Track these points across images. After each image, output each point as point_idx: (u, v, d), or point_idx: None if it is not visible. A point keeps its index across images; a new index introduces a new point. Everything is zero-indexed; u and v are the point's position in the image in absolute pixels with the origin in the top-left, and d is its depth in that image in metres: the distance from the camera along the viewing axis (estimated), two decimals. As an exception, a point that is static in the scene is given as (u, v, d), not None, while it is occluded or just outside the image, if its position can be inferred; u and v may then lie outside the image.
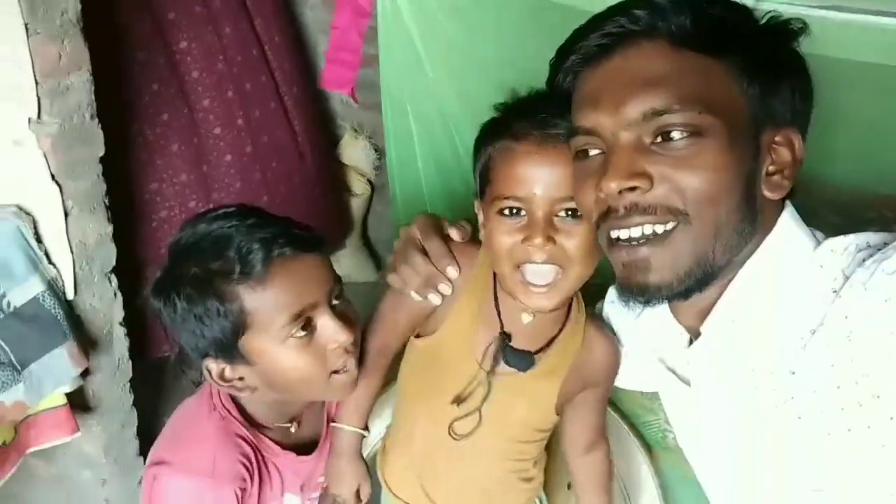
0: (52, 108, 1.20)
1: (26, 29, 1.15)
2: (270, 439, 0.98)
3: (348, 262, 2.35)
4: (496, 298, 0.98)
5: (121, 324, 1.46)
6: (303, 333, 0.84)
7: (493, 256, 0.92)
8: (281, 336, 0.83)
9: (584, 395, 1.06)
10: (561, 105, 0.84)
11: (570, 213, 0.86)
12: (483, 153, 0.92)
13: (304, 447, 1.03)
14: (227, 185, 1.88)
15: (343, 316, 0.88)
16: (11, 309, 1.20)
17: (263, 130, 1.89)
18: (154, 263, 1.67)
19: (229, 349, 0.84)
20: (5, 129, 1.20)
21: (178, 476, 0.90)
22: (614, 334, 1.06)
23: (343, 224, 2.35)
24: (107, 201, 1.34)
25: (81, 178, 1.27)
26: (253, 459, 0.95)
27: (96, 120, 1.27)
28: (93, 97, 1.25)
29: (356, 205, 2.38)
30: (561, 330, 1.00)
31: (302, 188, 2.05)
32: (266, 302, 0.82)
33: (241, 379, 0.88)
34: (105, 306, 1.40)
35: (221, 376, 0.87)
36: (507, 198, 0.87)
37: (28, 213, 1.25)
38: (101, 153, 1.29)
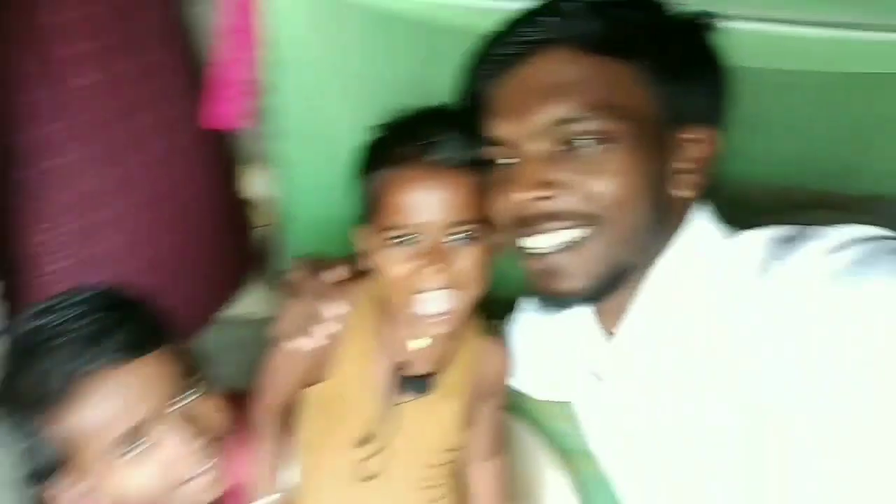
0: None
1: None
2: None
3: (257, 297, 2.26)
4: (385, 327, 0.96)
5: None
6: (137, 451, 0.76)
7: (386, 286, 0.91)
8: (113, 455, 0.76)
9: (481, 406, 1.06)
10: (444, 121, 0.84)
11: (460, 235, 0.86)
12: (367, 180, 0.89)
13: None
14: (110, 236, 1.75)
15: (191, 417, 0.79)
16: None
17: (150, 176, 1.78)
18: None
19: (62, 473, 0.77)
20: None
21: None
22: (505, 344, 1.07)
23: (248, 260, 2.26)
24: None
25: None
26: None
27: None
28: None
29: (262, 237, 2.30)
30: (454, 350, 0.99)
31: (199, 231, 1.93)
32: (85, 424, 0.74)
33: (92, 498, 0.81)
34: None
35: (72, 498, 0.80)
36: (397, 227, 0.86)
37: None
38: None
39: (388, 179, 0.86)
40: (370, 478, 0.99)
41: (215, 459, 0.83)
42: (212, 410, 0.84)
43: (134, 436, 0.75)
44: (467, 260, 0.87)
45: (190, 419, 0.79)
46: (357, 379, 0.98)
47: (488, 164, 0.83)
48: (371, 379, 0.97)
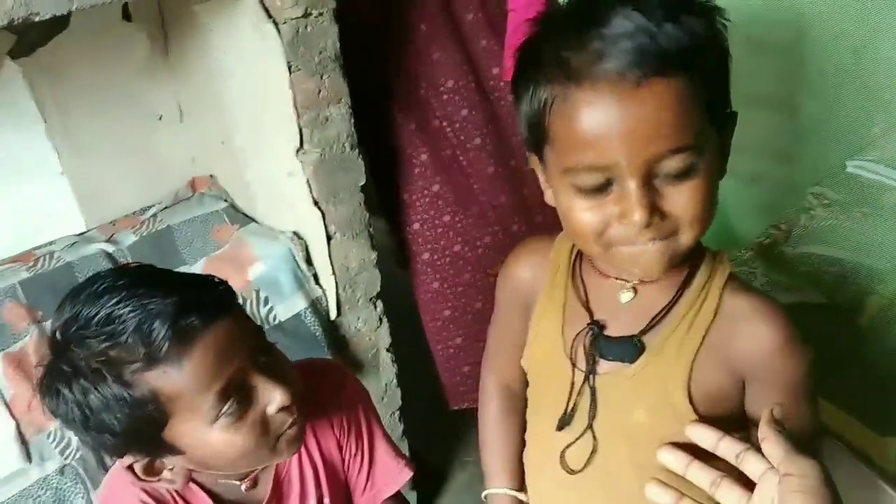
0: (313, 139, 1.38)
1: (288, 67, 1.31)
2: (210, 493, 0.87)
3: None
4: (582, 282, 0.80)
5: (388, 350, 1.61)
6: (235, 408, 0.74)
7: (574, 238, 0.74)
8: (210, 417, 0.73)
9: (752, 392, 0.77)
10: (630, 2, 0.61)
11: (673, 169, 0.63)
12: (530, 94, 0.67)
13: None
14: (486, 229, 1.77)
15: (274, 372, 0.78)
16: (276, 322, 1.43)
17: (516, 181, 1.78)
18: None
19: (150, 442, 0.75)
20: (281, 161, 1.42)
21: None
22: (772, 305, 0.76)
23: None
24: (370, 229, 1.52)
25: (342, 204, 1.46)
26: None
27: (357, 150, 1.44)
28: (352, 128, 1.42)
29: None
30: (678, 298, 0.76)
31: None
32: (186, 384, 0.71)
33: (171, 468, 0.79)
34: (370, 330, 1.59)
35: (149, 471, 0.78)
36: (582, 169, 0.65)
37: (301, 238, 1.49)
38: (362, 182, 1.47)
39: (562, 101, 0.64)
40: (576, 471, 0.79)
41: (299, 413, 0.81)
42: (288, 368, 0.82)
43: (229, 392, 0.73)
44: (685, 198, 0.65)
45: (273, 374, 0.78)
46: (550, 345, 0.81)
47: (697, 55, 0.62)
48: (565, 344, 0.80)
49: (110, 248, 1.50)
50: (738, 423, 0.77)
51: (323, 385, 0.95)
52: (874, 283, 1.26)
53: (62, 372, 0.73)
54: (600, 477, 0.81)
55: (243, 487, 0.89)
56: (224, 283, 0.80)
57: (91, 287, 0.73)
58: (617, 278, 0.79)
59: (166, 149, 1.67)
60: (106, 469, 0.89)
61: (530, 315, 0.87)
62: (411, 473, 1.02)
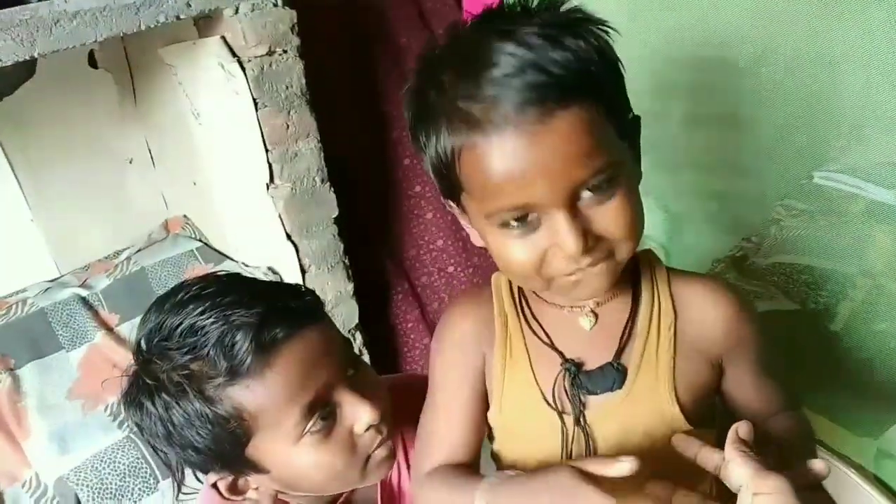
0: (283, 174, 1.39)
1: (255, 104, 1.32)
2: None
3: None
4: (536, 320, 0.75)
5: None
6: (322, 424, 0.69)
7: (513, 276, 0.72)
8: (295, 434, 0.68)
9: (732, 371, 0.78)
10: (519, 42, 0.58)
11: (595, 189, 0.62)
12: (433, 144, 0.64)
13: None
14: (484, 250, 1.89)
15: (364, 388, 0.73)
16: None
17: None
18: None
19: (233, 460, 0.70)
20: (252, 197, 1.43)
21: None
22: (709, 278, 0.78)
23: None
24: (346, 261, 1.53)
25: (315, 237, 1.47)
26: None
27: (327, 184, 1.45)
28: (322, 162, 1.43)
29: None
30: (637, 309, 0.75)
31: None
32: (270, 399, 0.67)
33: (256, 488, 0.75)
34: None
35: (232, 490, 0.74)
36: (505, 211, 0.62)
37: (275, 273, 1.49)
38: (335, 214, 1.48)
39: (465, 151, 0.61)
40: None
41: (388, 430, 0.75)
42: (375, 382, 0.77)
43: (316, 406, 0.69)
44: (615, 219, 0.63)
45: (362, 390, 0.72)
46: (524, 397, 0.75)
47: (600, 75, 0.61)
48: (542, 392, 0.74)
49: (84, 293, 1.50)
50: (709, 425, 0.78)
51: (417, 400, 0.85)
52: (846, 289, 1.28)
53: (145, 385, 0.69)
54: None
55: None
56: (311, 292, 0.75)
57: (176, 296, 0.70)
58: (571, 307, 0.76)
59: (138, 192, 1.68)
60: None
61: (481, 376, 0.79)
62: None
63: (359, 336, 1.59)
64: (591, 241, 0.63)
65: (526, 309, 0.78)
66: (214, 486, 0.74)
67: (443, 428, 0.80)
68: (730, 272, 1.49)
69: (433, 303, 1.82)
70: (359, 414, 0.71)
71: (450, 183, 0.67)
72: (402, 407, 0.83)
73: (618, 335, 0.75)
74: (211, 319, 0.67)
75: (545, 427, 0.75)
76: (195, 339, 0.66)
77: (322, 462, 0.70)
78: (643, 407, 0.74)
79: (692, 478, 0.75)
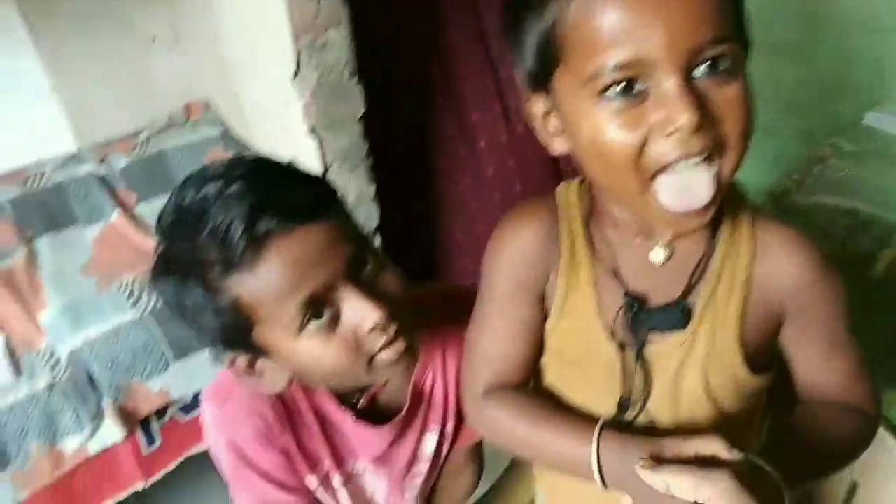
0: (311, 63, 1.32)
1: None
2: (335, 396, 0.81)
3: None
4: (605, 245, 0.70)
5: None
6: (321, 321, 0.68)
7: (605, 172, 0.61)
8: (294, 328, 0.68)
9: (792, 329, 0.71)
10: None
11: (713, 65, 0.55)
12: (537, 10, 0.59)
13: (387, 416, 0.85)
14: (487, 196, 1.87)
15: (373, 287, 0.71)
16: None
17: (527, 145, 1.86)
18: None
19: (242, 344, 0.71)
20: (278, 87, 1.37)
21: (209, 404, 0.81)
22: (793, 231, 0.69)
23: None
24: (369, 161, 1.47)
25: (341, 133, 1.41)
26: (287, 410, 0.80)
27: (355, 78, 1.38)
28: (352, 54, 1.36)
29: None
30: (712, 246, 0.69)
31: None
32: (262, 293, 0.66)
33: (272, 369, 0.75)
34: None
35: (251, 368, 0.74)
36: (610, 71, 0.55)
37: None
38: (361, 112, 1.42)
39: None
40: None
41: (402, 331, 0.73)
42: (394, 283, 0.74)
43: (314, 304, 0.68)
44: (734, 104, 0.56)
45: (370, 289, 0.70)
46: (585, 325, 0.72)
47: None
48: (603, 322, 0.70)
49: (102, 170, 1.48)
50: (769, 369, 0.72)
51: (461, 309, 0.83)
52: (888, 235, 1.22)
53: (160, 264, 0.70)
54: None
55: (359, 405, 0.82)
56: (324, 182, 0.73)
57: (195, 176, 0.68)
58: (645, 237, 0.68)
59: (160, 72, 1.63)
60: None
61: (542, 294, 0.74)
62: None
63: (377, 238, 1.57)
64: (705, 121, 0.55)
65: (596, 233, 0.72)
66: (232, 362, 0.74)
67: (499, 345, 0.76)
68: (769, 208, 1.44)
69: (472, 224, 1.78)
70: (363, 314, 0.69)
71: (548, 52, 0.59)
72: (446, 317, 0.81)
73: (688, 272, 0.68)
74: (215, 204, 0.65)
75: (601, 358, 0.71)
76: (199, 223, 0.65)
77: (324, 357, 0.70)
78: (704, 350, 0.69)
79: (743, 424, 0.74)
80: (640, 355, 0.70)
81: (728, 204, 0.68)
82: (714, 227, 0.68)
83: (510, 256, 0.75)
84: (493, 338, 0.77)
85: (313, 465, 0.83)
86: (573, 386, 0.76)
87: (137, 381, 1.30)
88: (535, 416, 0.74)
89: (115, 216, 1.43)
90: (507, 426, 0.75)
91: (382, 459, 0.86)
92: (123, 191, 1.48)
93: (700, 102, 0.55)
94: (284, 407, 0.80)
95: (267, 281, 0.65)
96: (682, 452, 0.63)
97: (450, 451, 0.93)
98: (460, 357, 0.82)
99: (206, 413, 0.82)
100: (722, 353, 0.69)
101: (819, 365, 0.73)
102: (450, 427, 0.90)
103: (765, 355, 0.72)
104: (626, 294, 0.69)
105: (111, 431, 1.28)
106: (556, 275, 0.72)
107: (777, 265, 0.69)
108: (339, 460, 0.84)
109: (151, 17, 1.58)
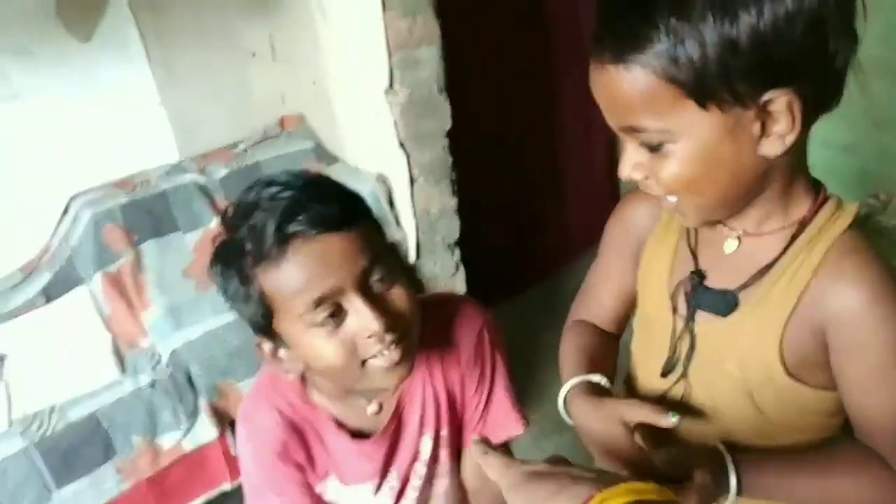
0: (403, 79, 1.37)
1: (383, 5, 1.29)
2: (334, 419, 0.91)
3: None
4: (693, 229, 0.80)
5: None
6: (326, 321, 0.76)
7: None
8: (304, 322, 0.76)
9: (834, 359, 0.72)
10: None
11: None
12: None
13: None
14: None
15: (380, 300, 0.79)
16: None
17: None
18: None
19: (266, 331, 0.80)
20: (370, 101, 1.43)
21: (238, 422, 0.93)
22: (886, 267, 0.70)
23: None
24: (453, 175, 1.53)
25: (427, 148, 1.46)
26: (296, 429, 0.91)
27: (444, 94, 1.43)
28: (441, 71, 1.40)
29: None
30: (782, 255, 0.73)
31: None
32: (282, 285, 0.75)
33: (287, 360, 0.83)
34: (446, 276, 1.60)
35: (274, 355, 0.84)
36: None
37: (385, 180, 1.50)
38: (447, 127, 1.47)
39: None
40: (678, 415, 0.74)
41: (399, 343, 0.80)
42: (401, 298, 0.81)
43: (323, 303, 0.75)
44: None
45: (376, 301, 0.78)
46: (656, 286, 0.83)
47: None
48: (670, 287, 0.80)
49: (202, 180, 1.56)
50: (830, 389, 0.73)
51: (457, 320, 0.95)
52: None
53: (215, 253, 0.78)
54: (689, 422, 0.80)
55: (370, 410, 0.91)
56: (357, 200, 0.81)
57: (270, 178, 0.78)
58: (730, 227, 0.76)
59: (258, 86, 1.70)
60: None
61: (638, 260, 0.86)
62: (522, 430, 1.00)
63: (456, 252, 1.60)
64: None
65: None
66: (259, 345, 0.84)
67: (598, 284, 0.94)
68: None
69: None
70: (364, 322, 0.77)
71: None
72: (437, 323, 0.89)
73: (753, 267, 0.74)
74: (262, 207, 0.75)
75: (661, 320, 0.83)
76: (243, 220, 0.75)
77: (324, 353, 0.78)
78: (744, 343, 0.75)
79: (795, 440, 0.77)
80: (689, 325, 0.79)
81: (820, 218, 0.72)
82: (794, 237, 0.73)
83: (619, 220, 0.89)
84: (596, 277, 0.94)
85: (321, 476, 0.93)
86: (639, 341, 0.89)
87: (231, 382, 1.35)
88: (572, 342, 0.91)
89: (214, 223, 1.50)
90: (561, 347, 0.93)
91: (382, 467, 0.94)
92: (221, 200, 1.55)
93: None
94: (296, 427, 0.91)
95: (286, 275, 0.74)
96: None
97: (457, 456, 1.00)
98: (448, 362, 0.94)
99: (238, 430, 0.94)
100: (763, 351, 0.74)
101: (859, 401, 0.73)
102: (445, 431, 0.97)
103: (815, 371, 0.73)
104: (695, 269, 0.79)
105: (206, 430, 1.33)
106: (649, 242, 0.85)
107: (830, 288, 0.70)
108: (342, 473, 0.93)
109: (252, 34, 1.66)
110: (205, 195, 1.53)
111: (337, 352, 0.78)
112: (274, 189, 0.75)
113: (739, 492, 0.71)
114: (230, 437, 1.39)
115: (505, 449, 1.02)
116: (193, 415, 1.32)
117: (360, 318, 0.77)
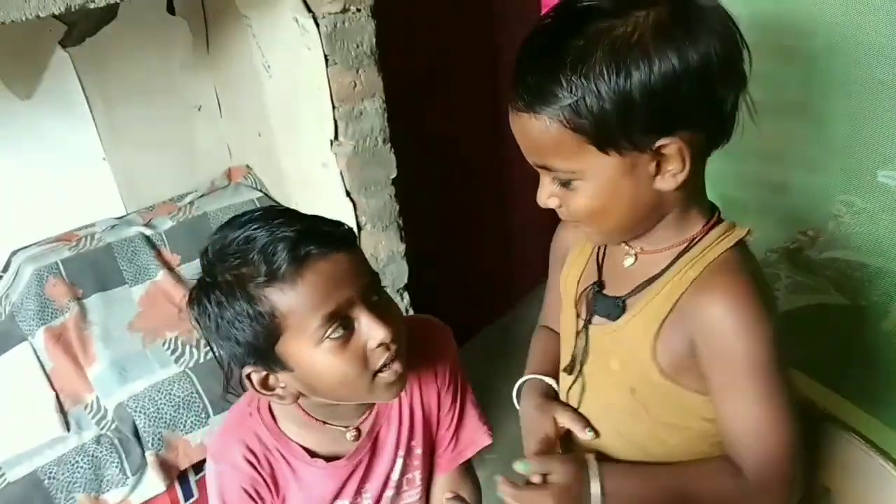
0: (348, 131, 1.43)
1: (326, 60, 1.35)
2: (303, 447, 0.95)
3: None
4: (604, 247, 0.91)
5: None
6: (340, 333, 0.81)
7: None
8: (316, 338, 0.80)
9: (705, 369, 0.78)
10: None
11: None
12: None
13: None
14: None
15: (382, 312, 0.84)
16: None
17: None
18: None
19: (266, 355, 0.82)
20: (316, 152, 1.47)
21: (209, 460, 0.97)
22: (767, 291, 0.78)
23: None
24: (400, 221, 1.56)
25: (374, 196, 1.50)
26: (266, 462, 0.94)
27: (388, 144, 1.48)
28: (385, 123, 1.46)
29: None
30: (666, 270, 0.81)
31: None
32: (298, 303, 0.79)
33: (283, 387, 0.87)
34: None
35: (264, 384, 0.86)
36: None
37: None
38: (394, 175, 1.51)
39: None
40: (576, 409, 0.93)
41: (399, 356, 0.85)
42: (396, 313, 0.88)
43: (335, 317, 0.80)
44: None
45: (379, 313, 0.83)
46: (567, 294, 0.94)
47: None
48: (577, 294, 0.92)
49: (148, 232, 1.56)
50: (706, 394, 0.80)
51: (432, 339, 1.02)
52: (899, 288, 1.27)
53: (205, 284, 0.83)
54: (589, 414, 0.92)
55: (349, 436, 0.96)
56: (349, 227, 0.89)
57: (241, 217, 0.84)
58: (630, 245, 0.86)
59: (204, 139, 1.73)
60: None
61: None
62: (490, 440, 1.07)
63: (406, 296, 1.63)
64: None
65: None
66: (248, 377, 0.86)
67: (548, 295, 1.07)
68: (782, 263, 1.48)
69: None
70: (373, 332, 0.82)
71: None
72: (414, 344, 0.92)
73: (643, 280, 0.84)
74: (261, 233, 0.80)
75: (570, 323, 0.94)
76: (246, 247, 0.79)
77: (336, 366, 0.82)
78: (626, 344, 0.85)
79: (684, 442, 0.85)
80: (586, 328, 0.90)
81: (710, 236, 0.81)
82: (681, 253, 0.81)
83: (557, 238, 1.02)
84: (547, 294, 1.07)
85: None
86: (563, 343, 0.98)
87: (179, 434, 1.34)
88: (534, 346, 1.07)
89: (160, 276, 1.50)
90: (531, 350, 1.08)
91: (357, 488, 0.99)
92: (167, 252, 1.55)
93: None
94: (266, 460, 0.95)
95: (301, 294, 0.78)
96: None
97: (429, 475, 1.05)
98: (426, 381, 1.01)
99: (207, 467, 0.98)
100: (639, 351, 0.83)
101: (719, 409, 0.80)
102: (419, 450, 1.02)
103: (689, 375, 0.80)
104: (597, 280, 0.90)
105: (153, 483, 1.31)
106: (570, 256, 0.97)
107: (699, 299, 0.78)
108: (314, 499, 0.97)
109: (197, 88, 1.69)
110: (151, 247, 1.53)
111: (349, 365, 0.82)
112: (261, 221, 0.80)
113: (604, 496, 0.81)
114: (178, 490, 1.37)
115: (468, 467, 1.10)
116: (140, 468, 1.30)
117: (370, 328, 0.82)
